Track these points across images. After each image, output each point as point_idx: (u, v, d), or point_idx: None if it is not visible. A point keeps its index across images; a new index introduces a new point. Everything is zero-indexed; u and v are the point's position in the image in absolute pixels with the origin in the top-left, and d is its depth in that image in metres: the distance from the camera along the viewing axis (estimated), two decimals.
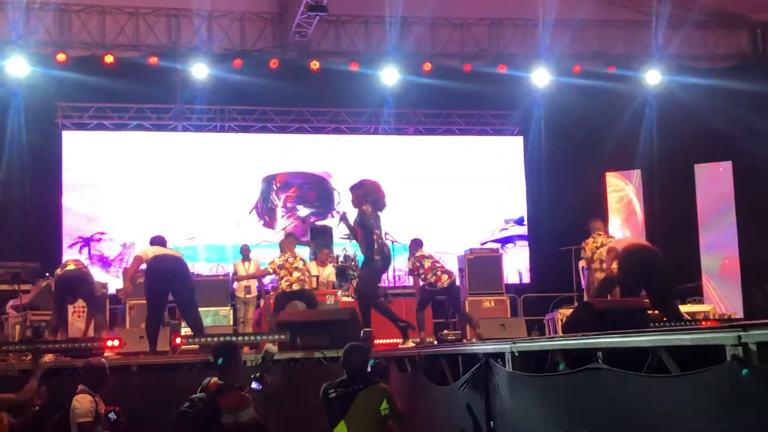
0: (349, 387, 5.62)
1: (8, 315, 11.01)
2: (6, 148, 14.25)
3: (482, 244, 15.61)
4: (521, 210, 16.59)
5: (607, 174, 15.91)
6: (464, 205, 16.32)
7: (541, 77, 15.77)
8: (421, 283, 10.18)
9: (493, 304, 12.40)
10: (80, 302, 10.49)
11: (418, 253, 10.35)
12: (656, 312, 8.84)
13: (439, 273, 10.19)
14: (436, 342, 10.16)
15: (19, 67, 14.10)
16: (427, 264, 10.22)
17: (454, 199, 16.33)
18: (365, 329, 8.58)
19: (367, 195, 8.88)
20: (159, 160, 15.56)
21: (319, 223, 15.51)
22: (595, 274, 10.39)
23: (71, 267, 9.59)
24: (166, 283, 9.11)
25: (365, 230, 8.78)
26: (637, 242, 9.82)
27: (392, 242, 13.20)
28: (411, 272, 10.46)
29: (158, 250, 9.29)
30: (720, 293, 14.34)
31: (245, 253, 12.74)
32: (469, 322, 10.69)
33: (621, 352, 4.23)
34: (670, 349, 3.74)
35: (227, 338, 8.17)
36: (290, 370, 7.94)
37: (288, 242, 10.81)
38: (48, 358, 8.10)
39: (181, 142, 15.77)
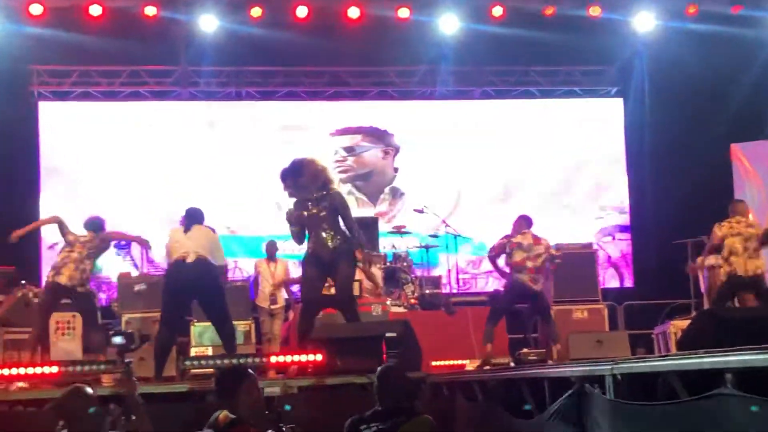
0: (387, 421, 5.61)
1: None
2: None
3: (572, 238, 15.46)
4: (621, 194, 16.50)
5: (734, 146, 15.66)
6: (547, 190, 16.32)
7: (644, 21, 15.57)
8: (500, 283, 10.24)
9: (586, 314, 12.34)
10: (64, 317, 10.62)
11: (515, 238, 10.36)
12: None
13: (525, 272, 10.18)
14: (512, 363, 10.14)
15: None
16: (518, 257, 10.21)
17: (533, 182, 16.34)
18: None
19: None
20: (159, 136, 15.77)
21: (361, 210, 15.50)
22: (721, 271, 10.23)
23: (66, 279, 9.70)
24: (189, 292, 9.20)
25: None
26: None
27: (455, 234, 13.32)
28: (491, 255, 10.51)
29: (181, 246, 9.30)
30: None
31: (271, 250, 12.74)
32: (552, 337, 10.62)
33: (756, 374, 4.11)
34: None
35: (236, 361, 8.20)
36: (325, 399, 7.93)
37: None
38: (16, 387, 8.20)
39: (187, 112, 15.99)
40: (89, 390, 5.75)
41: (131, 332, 7.93)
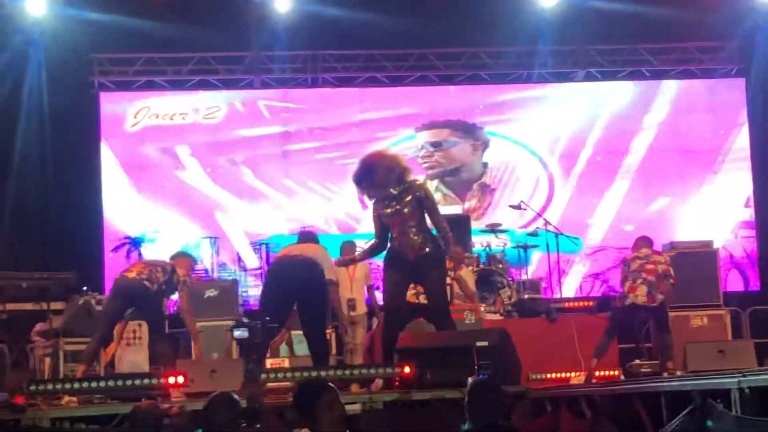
0: None
1: (34, 343, 11.38)
2: (22, 118, 14.82)
3: (688, 235, 15.26)
4: (745, 186, 16.25)
5: None
6: (660, 180, 16.19)
7: None
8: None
9: (706, 321, 12.14)
10: (130, 326, 10.75)
11: (634, 253, 10.59)
12: None
13: (638, 282, 10.21)
14: (623, 377, 10.08)
15: (40, 7, 14.54)
16: (635, 265, 10.36)
17: (644, 171, 16.23)
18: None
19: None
20: (229, 127, 15.97)
21: (449, 208, 15.44)
22: None
23: (132, 274, 9.82)
24: (289, 293, 9.32)
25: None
26: None
27: (556, 232, 13.20)
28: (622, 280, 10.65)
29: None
30: None
31: (348, 252, 12.72)
32: (664, 348, 10.57)
33: None
34: None
35: (315, 373, 8.23)
36: (413, 416, 7.89)
37: None
38: (67, 401, 8.31)
39: (260, 101, 16.12)
40: (235, 396, 5.73)
41: (256, 324, 7.93)
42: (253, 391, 6.26)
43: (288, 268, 9.36)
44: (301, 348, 11.08)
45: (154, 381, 8.60)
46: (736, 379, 4.84)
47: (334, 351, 12.10)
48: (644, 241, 10.80)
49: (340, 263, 9.93)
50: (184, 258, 10.37)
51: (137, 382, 8.68)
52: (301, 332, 10.30)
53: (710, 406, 4.98)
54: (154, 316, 9.98)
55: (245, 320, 7.52)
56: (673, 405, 5.62)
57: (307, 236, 10.00)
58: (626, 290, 10.25)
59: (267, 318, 8.82)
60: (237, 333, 6.98)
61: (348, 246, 12.79)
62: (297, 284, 9.28)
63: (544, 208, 15.60)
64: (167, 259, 10.18)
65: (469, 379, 6.02)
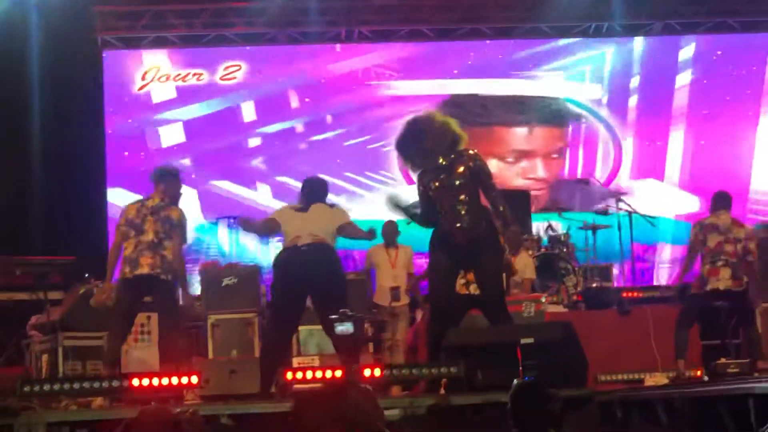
0: None
1: (30, 338, 11.46)
2: (18, 83, 14.84)
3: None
4: None
5: None
6: (739, 153, 16.40)
7: None
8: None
9: None
10: (138, 319, 10.73)
11: (709, 219, 10.35)
12: None
13: (719, 264, 10.09)
14: (707, 377, 10.02)
15: None
16: (712, 242, 10.16)
17: (722, 144, 16.29)
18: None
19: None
20: (250, 88, 16.14)
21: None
22: None
23: (144, 269, 9.65)
24: (304, 285, 9.16)
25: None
26: None
27: (630, 212, 13.18)
28: (690, 248, 10.44)
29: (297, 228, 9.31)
30: None
31: (390, 234, 12.70)
32: (752, 347, 10.47)
33: None
34: None
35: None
36: (467, 422, 7.91)
37: None
38: (66, 404, 8.34)
39: (288, 60, 16.28)
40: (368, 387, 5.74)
41: (361, 316, 7.93)
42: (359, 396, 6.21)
43: (295, 261, 9.09)
44: (313, 344, 11.15)
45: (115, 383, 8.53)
46: None
47: (371, 348, 12.15)
48: (724, 201, 10.52)
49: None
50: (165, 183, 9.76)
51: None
52: (309, 327, 10.41)
53: None
54: (167, 307, 9.89)
55: (349, 312, 7.54)
56: (765, 409, 5.60)
57: (311, 194, 9.41)
58: (705, 273, 10.13)
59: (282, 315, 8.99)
60: (341, 328, 6.99)
61: (390, 227, 12.80)
62: (307, 281, 9.05)
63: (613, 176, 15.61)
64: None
65: (514, 381, 5.98)
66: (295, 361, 10.96)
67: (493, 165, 15.32)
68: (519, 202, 13.86)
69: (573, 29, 16.51)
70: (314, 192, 9.38)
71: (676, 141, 16.46)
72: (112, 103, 15.82)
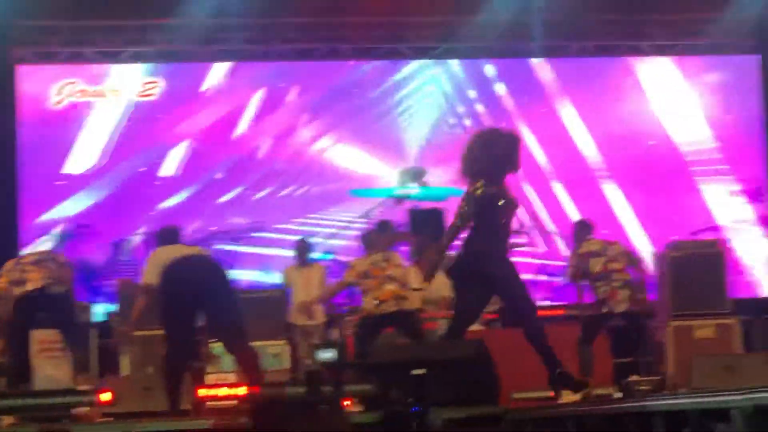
0: None
1: None
2: None
3: (694, 233, 15.32)
4: (757, 176, 16.44)
5: None
6: (660, 171, 16.37)
7: None
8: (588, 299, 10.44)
9: (712, 331, 12.14)
10: (48, 335, 10.61)
11: (582, 248, 10.44)
12: None
13: (615, 285, 10.24)
14: (618, 394, 10.05)
15: None
16: (596, 266, 10.30)
17: (644, 163, 16.41)
18: None
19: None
20: (179, 109, 16.04)
21: None
22: None
23: (36, 283, 9.69)
24: (191, 299, 9.16)
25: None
26: None
27: (546, 230, 13.20)
28: (571, 279, 10.66)
29: (173, 251, 9.38)
30: None
31: (302, 252, 12.76)
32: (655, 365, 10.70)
33: None
34: None
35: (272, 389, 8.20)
36: None
37: (380, 235, 10.92)
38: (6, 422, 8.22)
39: (206, 75, 16.22)
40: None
41: (343, 343, 7.82)
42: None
43: (186, 270, 9.20)
44: (228, 360, 11.06)
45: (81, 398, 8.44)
46: (739, 398, 4.81)
47: (289, 364, 12.11)
48: (586, 228, 10.80)
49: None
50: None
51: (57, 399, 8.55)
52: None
53: (710, 428, 4.95)
54: (66, 319, 9.94)
55: (330, 339, 7.53)
56: (671, 426, 5.61)
57: (175, 233, 9.84)
58: (604, 297, 10.30)
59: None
60: (324, 355, 6.88)
61: (302, 246, 12.87)
62: (199, 289, 9.14)
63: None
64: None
65: None
66: (212, 378, 10.90)
67: None
68: (434, 221, 13.91)
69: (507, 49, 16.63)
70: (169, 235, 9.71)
71: None
72: (26, 117, 15.54)
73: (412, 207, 15.47)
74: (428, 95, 16.48)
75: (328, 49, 16.31)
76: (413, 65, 16.51)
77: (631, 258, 11.03)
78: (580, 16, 16.30)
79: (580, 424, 7.12)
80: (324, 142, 16.33)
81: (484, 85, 16.57)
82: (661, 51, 16.75)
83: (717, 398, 5.21)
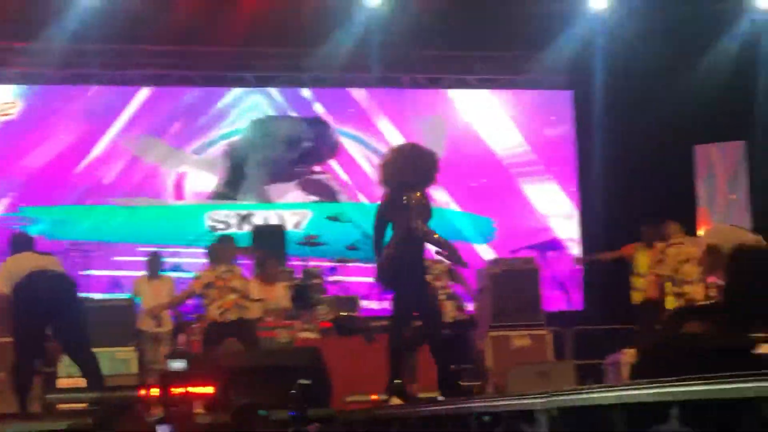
0: None
1: None
2: None
3: (512, 252, 15.63)
4: (564, 202, 16.81)
5: (698, 147, 15.96)
6: (483, 196, 16.62)
7: (598, 3, 15.76)
8: None
9: (527, 341, 12.39)
10: None
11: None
12: None
13: (442, 298, 10.46)
14: (441, 397, 10.07)
15: None
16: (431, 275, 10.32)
17: (467, 187, 16.62)
18: None
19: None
20: (35, 132, 15.72)
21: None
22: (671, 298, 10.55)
23: None
24: (43, 312, 9.17)
25: None
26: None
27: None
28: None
29: (26, 261, 9.34)
30: None
31: (153, 265, 12.76)
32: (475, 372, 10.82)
33: (710, 408, 4.25)
34: None
35: (111, 393, 8.22)
36: None
37: (224, 248, 10.93)
38: None
39: (66, 100, 15.99)
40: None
41: (194, 353, 7.70)
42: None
43: (38, 282, 9.16)
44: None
45: None
46: (543, 399, 5.04)
47: (136, 370, 12.02)
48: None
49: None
50: None
51: None
52: None
53: (518, 428, 5.18)
54: None
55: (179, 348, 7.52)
56: (485, 427, 5.81)
57: (28, 241, 9.82)
58: None
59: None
60: (175, 365, 6.91)
61: (154, 259, 12.84)
62: (46, 306, 9.16)
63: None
64: None
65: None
66: (62, 382, 10.83)
67: None
68: (275, 236, 14.03)
69: (331, 79, 16.58)
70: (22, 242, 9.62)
71: None
72: None
73: (256, 224, 15.51)
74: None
75: (179, 75, 16.26)
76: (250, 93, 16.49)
77: (453, 275, 11.26)
78: (412, 51, 16.46)
79: (404, 425, 7.30)
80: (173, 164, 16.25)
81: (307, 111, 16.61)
82: (486, 84, 16.98)
83: (524, 401, 5.41)
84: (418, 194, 8.19)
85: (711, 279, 10.37)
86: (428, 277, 10.15)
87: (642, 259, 12.21)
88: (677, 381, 4.26)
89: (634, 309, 12.36)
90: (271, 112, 16.47)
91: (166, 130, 16.14)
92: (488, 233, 16.51)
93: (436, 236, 8.31)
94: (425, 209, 8.22)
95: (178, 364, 7.07)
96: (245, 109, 16.37)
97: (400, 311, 8.64)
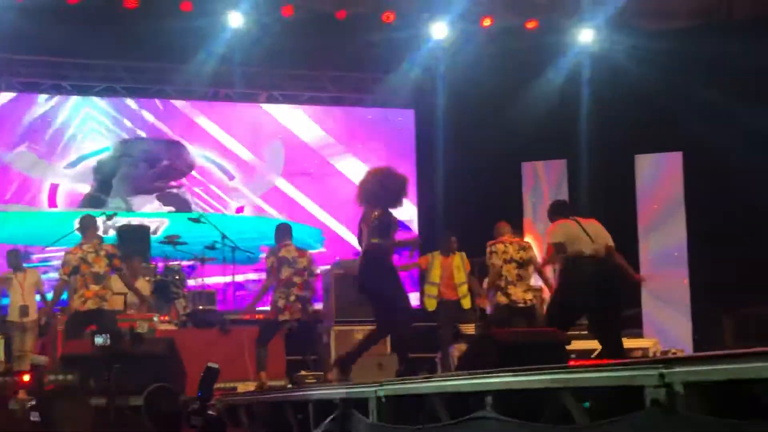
0: None
1: None
2: None
3: (357, 254, 15.68)
4: (409, 209, 16.88)
5: (525, 164, 16.30)
6: (331, 203, 16.70)
7: (439, 31, 15.84)
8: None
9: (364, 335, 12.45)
10: None
11: (282, 251, 10.22)
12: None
13: (291, 299, 10.21)
14: (290, 386, 10.28)
15: None
16: (285, 273, 10.13)
17: (317, 195, 16.74)
18: None
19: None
20: None
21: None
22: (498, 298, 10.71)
23: None
24: None
25: None
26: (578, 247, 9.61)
27: (233, 247, 13.33)
28: (267, 276, 10.37)
29: None
30: (665, 323, 14.89)
31: (13, 260, 12.50)
32: (320, 362, 10.82)
33: (519, 397, 4.36)
34: (577, 392, 3.88)
35: None
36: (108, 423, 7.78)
37: (89, 219, 10.62)
38: None
39: None
40: None
41: (120, 330, 7.44)
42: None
43: None
44: None
45: None
46: (374, 388, 5.13)
47: (2, 357, 11.75)
48: (285, 231, 10.53)
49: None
50: None
51: None
52: None
53: (350, 414, 5.24)
54: None
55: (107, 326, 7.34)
56: (321, 413, 5.85)
57: None
58: (281, 306, 10.11)
59: None
60: (99, 340, 6.71)
61: (13, 254, 12.57)
62: None
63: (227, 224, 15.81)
64: None
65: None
66: None
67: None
68: (140, 234, 13.86)
69: (195, 93, 16.47)
70: None
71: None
72: None
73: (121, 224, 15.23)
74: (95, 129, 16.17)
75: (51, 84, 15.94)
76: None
77: (311, 270, 11.08)
78: (270, 70, 16.45)
79: (249, 411, 7.33)
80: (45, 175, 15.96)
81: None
82: (337, 102, 17.09)
83: (358, 389, 5.50)
84: (377, 213, 8.22)
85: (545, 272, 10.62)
86: (291, 270, 10.19)
87: (435, 269, 12.16)
88: (490, 372, 4.37)
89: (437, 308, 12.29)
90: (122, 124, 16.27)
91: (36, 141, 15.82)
92: (320, 241, 16.52)
93: (390, 243, 8.34)
94: (383, 224, 8.24)
95: (101, 340, 6.93)
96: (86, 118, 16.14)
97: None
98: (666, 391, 3.39)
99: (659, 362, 3.48)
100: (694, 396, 3.39)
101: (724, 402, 3.45)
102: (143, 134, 16.27)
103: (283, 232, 10.48)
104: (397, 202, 8.42)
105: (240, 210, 16.49)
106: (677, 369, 3.40)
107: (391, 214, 8.32)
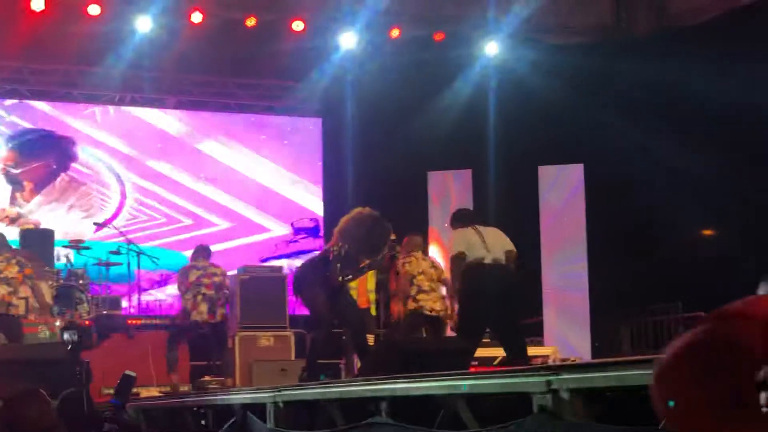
0: None
1: None
2: None
3: (263, 261, 15.67)
4: (317, 216, 16.97)
5: (431, 174, 16.41)
6: (238, 208, 16.69)
7: (347, 41, 15.89)
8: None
9: (272, 341, 12.48)
10: None
11: (200, 263, 10.72)
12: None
13: (198, 299, 10.16)
14: (193, 391, 10.25)
15: None
16: (192, 276, 10.41)
17: (225, 200, 16.68)
18: None
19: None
20: None
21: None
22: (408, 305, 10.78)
23: None
24: None
25: None
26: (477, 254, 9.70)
27: (138, 252, 13.22)
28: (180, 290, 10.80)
29: None
30: (565, 331, 15.13)
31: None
32: (224, 367, 10.85)
33: (414, 403, 4.41)
34: (470, 399, 3.95)
35: None
36: None
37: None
38: None
39: None
40: None
41: (87, 326, 7.30)
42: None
43: None
44: None
45: None
46: (272, 394, 5.14)
47: None
48: (204, 251, 11.06)
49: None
50: None
51: None
52: None
53: (249, 419, 5.25)
54: None
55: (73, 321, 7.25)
56: (220, 418, 5.85)
57: None
58: (189, 308, 10.42)
59: None
60: (66, 336, 6.59)
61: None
62: None
63: (133, 229, 15.64)
64: None
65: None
66: None
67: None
68: (43, 238, 13.64)
69: (99, 97, 16.29)
70: None
71: None
72: None
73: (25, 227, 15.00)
74: None
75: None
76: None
77: (222, 280, 11.23)
78: (178, 75, 16.40)
79: (147, 414, 7.29)
80: None
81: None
82: (245, 109, 17.09)
83: (256, 395, 5.51)
84: (347, 247, 8.79)
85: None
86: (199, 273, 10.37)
87: None
88: (386, 379, 4.42)
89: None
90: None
91: None
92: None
93: (349, 276, 9.00)
94: (348, 259, 8.81)
95: (69, 335, 6.87)
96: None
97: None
98: (552, 397, 3.47)
99: (546, 369, 3.56)
100: (580, 402, 3.48)
101: (620, 408, 3.54)
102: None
103: (199, 252, 11.08)
104: (378, 252, 8.99)
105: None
106: (564, 376, 3.48)
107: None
